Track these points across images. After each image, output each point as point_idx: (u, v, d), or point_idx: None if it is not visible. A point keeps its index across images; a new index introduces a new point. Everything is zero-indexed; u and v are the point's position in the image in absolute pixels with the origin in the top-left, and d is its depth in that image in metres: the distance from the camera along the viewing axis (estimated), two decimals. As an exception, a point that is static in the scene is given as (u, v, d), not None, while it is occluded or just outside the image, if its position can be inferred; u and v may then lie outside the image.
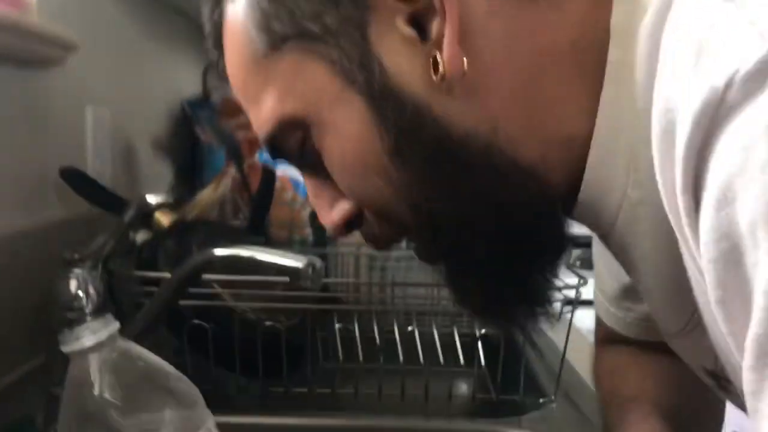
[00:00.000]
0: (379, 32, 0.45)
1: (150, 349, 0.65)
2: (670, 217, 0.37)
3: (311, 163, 0.48)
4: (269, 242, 1.24)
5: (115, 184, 1.22)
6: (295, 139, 0.47)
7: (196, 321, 0.81)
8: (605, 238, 0.48)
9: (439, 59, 0.42)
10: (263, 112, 0.47)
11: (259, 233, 1.10)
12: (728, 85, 0.33)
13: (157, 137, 1.48)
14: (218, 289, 0.83)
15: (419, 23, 0.44)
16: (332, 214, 0.50)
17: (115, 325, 0.52)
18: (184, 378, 0.52)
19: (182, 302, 0.79)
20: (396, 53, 0.44)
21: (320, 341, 0.95)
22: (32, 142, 0.96)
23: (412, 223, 0.48)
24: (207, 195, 1.30)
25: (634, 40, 0.41)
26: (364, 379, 0.87)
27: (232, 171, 1.48)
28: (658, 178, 0.37)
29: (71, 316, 0.75)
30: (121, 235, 0.83)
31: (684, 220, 0.35)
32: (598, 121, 0.42)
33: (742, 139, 0.32)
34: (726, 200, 0.32)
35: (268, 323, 0.81)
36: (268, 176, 1.12)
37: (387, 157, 0.45)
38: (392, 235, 0.51)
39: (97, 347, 0.51)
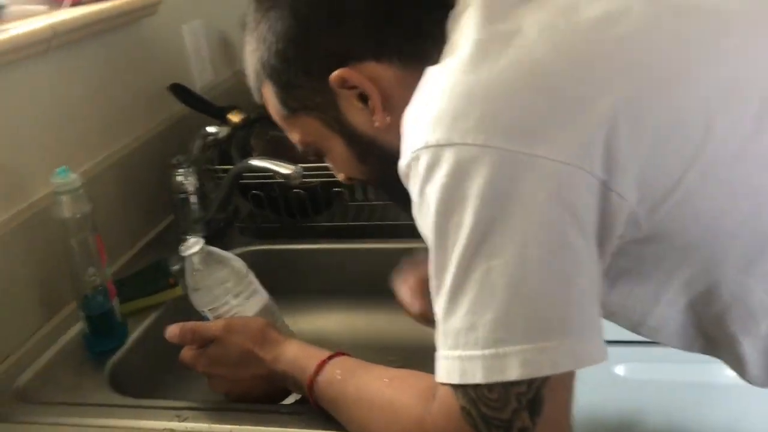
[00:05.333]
0: (344, 104, 0.82)
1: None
2: None
3: (323, 157, 0.91)
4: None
5: (216, 73, 1.69)
6: (312, 148, 0.89)
7: (255, 191, 1.33)
8: None
9: (374, 118, 0.81)
10: (294, 138, 0.89)
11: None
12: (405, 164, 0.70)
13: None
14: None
15: (364, 96, 0.80)
16: (339, 175, 0.93)
17: (202, 242, 0.99)
18: (239, 259, 1.01)
19: (244, 181, 1.31)
20: (355, 113, 0.82)
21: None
22: (143, 66, 1.44)
23: (369, 180, 0.92)
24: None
25: None
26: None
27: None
28: None
29: (181, 196, 1.29)
30: (204, 143, 1.34)
31: None
32: None
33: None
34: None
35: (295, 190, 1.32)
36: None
37: (356, 160, 0.87)
38: (361, 182, 0.98)
39: (196, 252, 0.98)
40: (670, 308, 0.78)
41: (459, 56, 0.72)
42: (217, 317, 0.97)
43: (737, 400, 1.49)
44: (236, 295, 0.98)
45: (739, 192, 0.71)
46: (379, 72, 0.80)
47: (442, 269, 0.67)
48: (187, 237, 1.03)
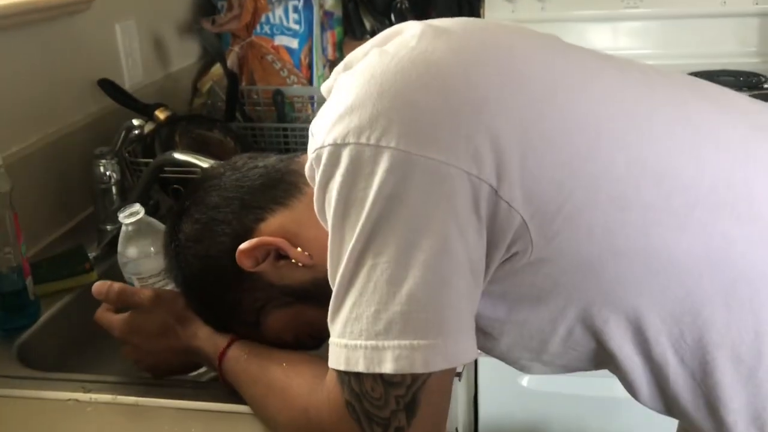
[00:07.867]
0: (274, 276, 0.83)
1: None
2: None
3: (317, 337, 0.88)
4: (248, 119, 1.75)
5: (147, 73, 1.71)
6: (304, 334, 0.88)
7: (175, 185, 1.36)
8: None
9: (300, 263, 0.81)
10: (281, 337, 0.87)
11: (230, 120, 1.62)
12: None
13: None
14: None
15: (279, 254, 0.81)
16: None
17: (143, 210, 1.03)
18: None
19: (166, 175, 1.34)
20: (287, 273, 0.82)
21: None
22: (75, 59, 1.47)
23: None
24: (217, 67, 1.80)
25: None
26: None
27: (236, 48, 1.94)
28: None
29: (102, 187, 1.32)
30: (128, 135, 1.36)
31: None
32: None
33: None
34: None
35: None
36: (233, 78, 1.62)
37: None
38: None
39: (134, 222, 1.03)
40: (568, 335, 0.78)
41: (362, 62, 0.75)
42: (143, 287, 1.00)
43: (636, 413, 1.56)
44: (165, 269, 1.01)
45: (627, 207, 0.71)
46: (272, 226, 0.83)
47: (337, 261, 0.70)
48: (126, 206, 1.05)
